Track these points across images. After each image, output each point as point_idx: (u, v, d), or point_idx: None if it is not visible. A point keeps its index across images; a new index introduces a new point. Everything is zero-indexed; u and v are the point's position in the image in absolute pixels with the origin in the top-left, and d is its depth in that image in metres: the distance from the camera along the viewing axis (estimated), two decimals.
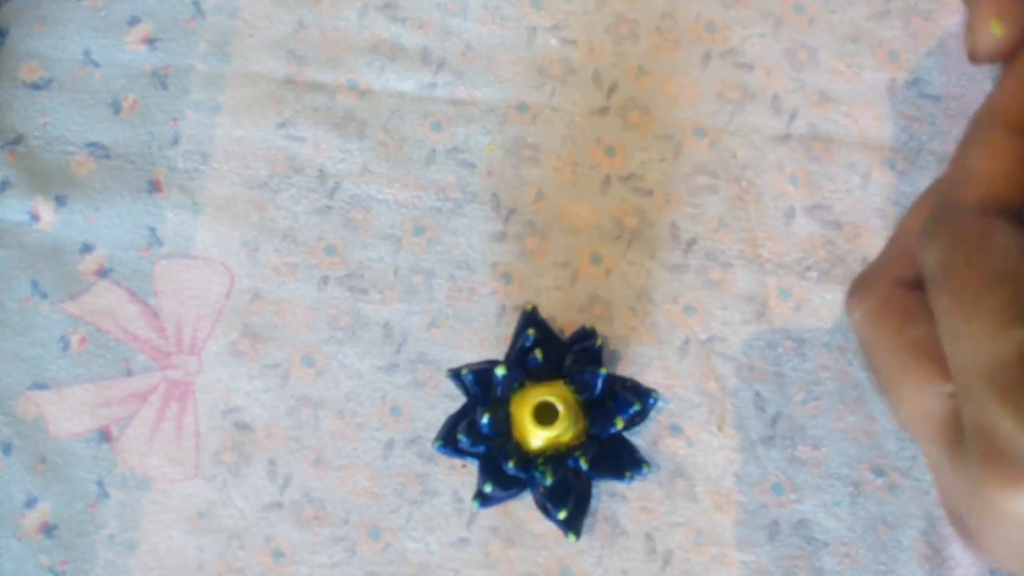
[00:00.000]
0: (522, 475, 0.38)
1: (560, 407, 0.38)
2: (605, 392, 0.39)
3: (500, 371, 0.39)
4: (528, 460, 0.38)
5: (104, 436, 0.41)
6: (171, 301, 0.42)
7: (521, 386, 0.39)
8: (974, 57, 0.30)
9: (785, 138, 0.43)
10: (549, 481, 0.38)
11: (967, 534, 0.27)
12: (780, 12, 0.44)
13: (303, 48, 0.44)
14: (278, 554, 0.40)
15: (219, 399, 0.41)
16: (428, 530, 0.40)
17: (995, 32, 0.28)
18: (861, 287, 0.28)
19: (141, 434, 0.41)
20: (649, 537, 0.40)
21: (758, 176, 0.42)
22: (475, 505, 0.39)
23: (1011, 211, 0.26)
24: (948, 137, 0.42)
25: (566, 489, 0.38)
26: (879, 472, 0.39)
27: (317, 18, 0.44)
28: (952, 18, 0.44)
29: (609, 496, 0.40)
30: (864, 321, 0.28)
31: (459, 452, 0.39)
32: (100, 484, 0.40)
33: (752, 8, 0.44)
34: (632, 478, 0.39)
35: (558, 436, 0.38)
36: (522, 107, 0.43)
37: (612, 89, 0.43)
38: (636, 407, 0.39)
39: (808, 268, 0.41)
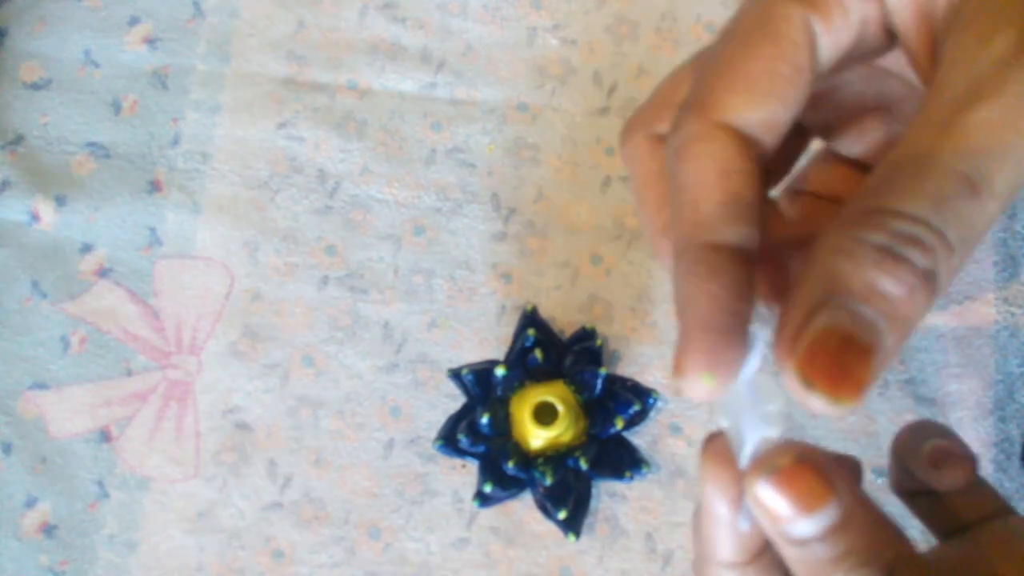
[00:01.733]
0: (522, 475, 0.38)
1: (560, 407, 0.38)
2: (605, 392, 0.39)
3: (500, 371, 0.39)
4: (528, 460, 0.38)
5: (104, 436, 0.41)
6: (171, 301, 0.42)
7: (521, 386, 0.39)
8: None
9: None
10: (549, 481, 0.38)
11: None
12: None
13: (303, 48, 0.44)
14: (278, 554, 0.40)
15: (219, 399, 0.41)
16: (428, 530, 0.40)
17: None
18: (626, 134, 0.28)
19: (141, 434, 0.41)
20: (649, 537, 0.40)
21: None
22: (475, 505, 0.39)
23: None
24: None
25: (566, 489, 0.38)
26: (879, 472, 0.39)
27: (317, 18, 0.44)
28: None
29: (609, 496, 0.40)
30: (627, 162, 0.28)
31: (459, 452, 0.39)
32: (100, 484, 0.40)
33: None
34: (632, 478, 0.39)
35: (558, 436, 0.38)
36: (522, 107, 0.43)
37: (612, 89, 0.43)
38: (636, 407, 0.39)
39: None
